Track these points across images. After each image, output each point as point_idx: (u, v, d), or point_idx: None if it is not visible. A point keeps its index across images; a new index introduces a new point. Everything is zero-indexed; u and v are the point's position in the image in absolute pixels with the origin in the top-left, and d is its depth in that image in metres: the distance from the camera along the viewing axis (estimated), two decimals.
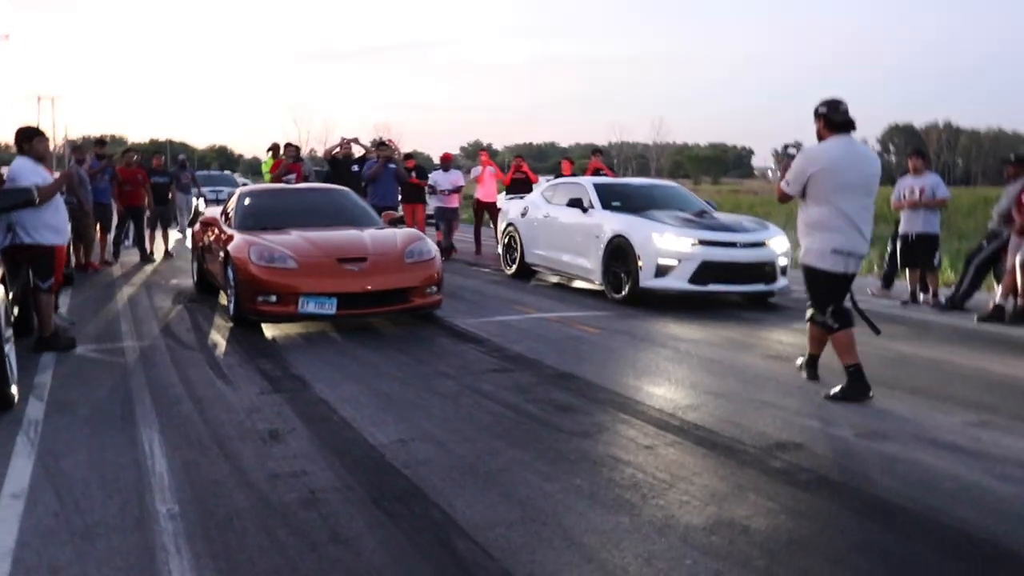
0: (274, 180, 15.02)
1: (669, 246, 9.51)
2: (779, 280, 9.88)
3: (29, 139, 6.79)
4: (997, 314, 8.92)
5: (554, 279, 12.15)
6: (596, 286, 10.62)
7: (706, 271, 9.46)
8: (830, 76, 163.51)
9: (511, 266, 12.61)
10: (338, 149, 14.80)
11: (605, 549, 3.42)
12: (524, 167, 16.84)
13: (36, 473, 4.30)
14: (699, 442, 4.80)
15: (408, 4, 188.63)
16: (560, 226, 11.35)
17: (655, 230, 9.66)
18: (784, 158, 6.19)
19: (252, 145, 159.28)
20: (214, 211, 10.84)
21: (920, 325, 8.86)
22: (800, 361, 6.39)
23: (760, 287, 9.78)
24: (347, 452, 4.63)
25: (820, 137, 5.81)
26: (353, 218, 9.67)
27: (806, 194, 5.77)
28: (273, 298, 7.86)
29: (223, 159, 79.42)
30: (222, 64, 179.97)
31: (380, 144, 14.95)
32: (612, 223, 10.26)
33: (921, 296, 10.29)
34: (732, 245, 9.65)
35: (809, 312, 6.03)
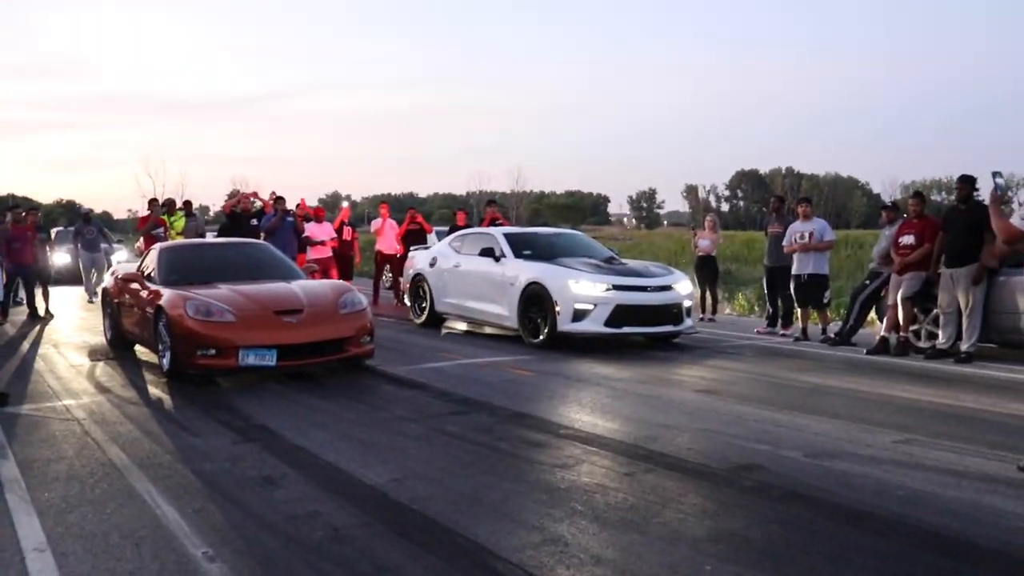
0: (144, 235, 14.95)
1: (585, 292, 10.04)
2: (685, 321, 10.55)
3: None
4: (883, 347, 9.83)
5: (462, 327, 12.50)
6: (510, 332, 11.05)
7: (620, 314, 10.04)
8: (678, 125, 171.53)
9: (420, 315, 12.89)
10: (238, 203, 14.82)
11: (631, 561, 3.79)
12: (419, 218, 17.16)
13: (48, 528, 4.32)
14: (671, 468, 5.24)
15: (256, 57, 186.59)
16: (473, 275, 11.75)
17: (571, 277, 10.18)
18: (996, 191, 5.42)
19: (101, 199, 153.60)
20: (127, 267, 10.76)
21: (817, 359, 9.67)
22: None
23: (669, 328, 10.43)
24: (350, 493, 4.84)
25: None
26: (276, 271, 9.79)
27: None
28: (212, 351, 7.92)
29: (71, 214, 75.95)
30: (64, 113, 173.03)
31: (278, 198, 15.02)
32: (527, 271, 10.73)
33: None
34: (643, 289, 10.28)
35: None
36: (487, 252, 11.47)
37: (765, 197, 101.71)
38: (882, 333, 9.98)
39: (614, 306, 10.00)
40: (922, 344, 9.79)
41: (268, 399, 7.45)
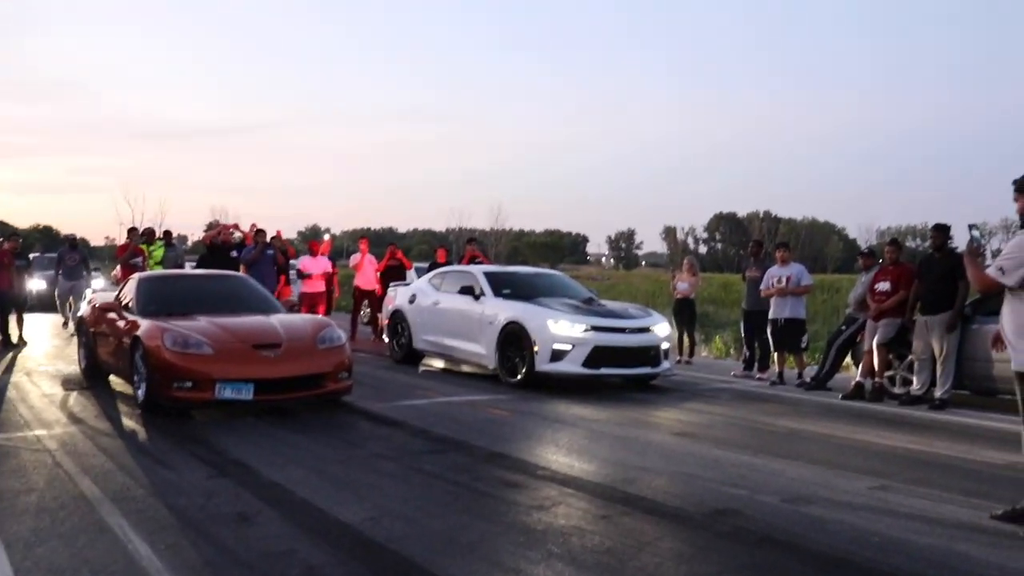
0: (122, 263, 14.93)
1: (563, 332, 10.07)
2: (663, 363, 10.60)
3: None
4: (858, 392, 9.92)
5: (440, 364, 12.49)
6: (488, 371, 11.04)
7: (598, 355, 10.06)
8: (657, 166, 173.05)
9: (399, 352, 12.86)
10: (218, 235, 14.80)
11: None
12: (398, 254, 17.22)
13: (16, 561, 4.26)
14: (648, 511, 5.25)
15: (237, 87, 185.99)
16: (452, 313, 11.75)
17: (550, 317, 10.21)
18: (972, 243, 5.41)
19: (79, 225, 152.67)
20: (105, 296, 10.69)
21: (793, 403, 9.73)
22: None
23: (646, 370, 10.47)
24: (325, 531, 4.80)
25: None
26: (256, 304, 9.75)
27: None
28: (188, 384, 7.86)
29: (47, 240, 75.32)
30: (43, 138, 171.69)
31: (258, 231, 15.00)
32: (506, 310, 10.74)
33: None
34: (621, 331, 10.32)
35: None
36: (467, 290, 11.49)
37: (743, 240, 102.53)
38: (857, 378, 10.08)
39: (592, 347, 10.03)
40: (897, 390, 9.89)
41: (244, 433, 7.39)
